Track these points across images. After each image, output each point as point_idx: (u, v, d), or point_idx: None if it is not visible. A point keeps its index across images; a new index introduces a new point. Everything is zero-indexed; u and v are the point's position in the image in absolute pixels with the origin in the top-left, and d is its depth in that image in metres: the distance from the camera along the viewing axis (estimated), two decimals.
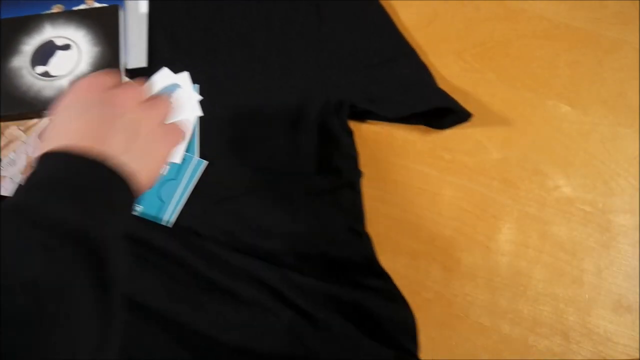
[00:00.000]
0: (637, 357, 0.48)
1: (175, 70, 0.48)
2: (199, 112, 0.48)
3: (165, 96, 0.44)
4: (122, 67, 0.52)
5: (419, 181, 0.54)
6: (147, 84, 0.45)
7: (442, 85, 0.55)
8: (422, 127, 0.56)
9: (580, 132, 0.54)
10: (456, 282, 0.51)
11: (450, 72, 0.57)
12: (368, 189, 0.54)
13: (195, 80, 0.50)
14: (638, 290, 0.49)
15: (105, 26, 0.54)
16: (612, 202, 0.52)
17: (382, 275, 0.49)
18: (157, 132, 0.40)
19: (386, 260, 0.51)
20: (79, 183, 0.33)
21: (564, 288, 0.50)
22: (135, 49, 0.54)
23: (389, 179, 0.54)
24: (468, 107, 0.54)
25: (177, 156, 0.48)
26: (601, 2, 0.58)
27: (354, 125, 0.56)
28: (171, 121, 0.43)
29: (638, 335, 0.48)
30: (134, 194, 0.36)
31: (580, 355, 0.48)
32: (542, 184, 0.53)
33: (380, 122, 0.56)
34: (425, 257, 0.52)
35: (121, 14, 0.55)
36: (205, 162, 0.50)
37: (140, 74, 0.48)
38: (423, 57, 0.56)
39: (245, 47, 0.54)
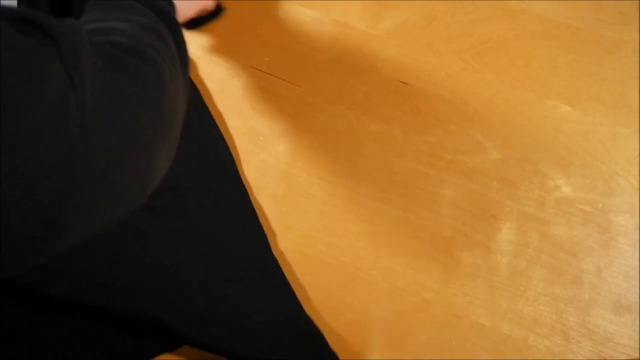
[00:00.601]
0: (637, 357, 0.48)
1: None
2: None
3: None
4: None
5: (419, 181, 0.54)
6: None
7: (442, 84, 0.55)
8: (422, 127, 0.56)
9: (580, 132, 0.54)
10: (456, 282, 0.51)
11: (450, 72, 0.57)
12: (368, 189, 0.54)
13: None
14: (638, 290, 0.49)
15: None
16: (612, 202, 0.52)
17: None
18: None
19: (386, 260, 0.51)
20: None
21: (564, 288, 0.50)
22: None
23: (389, 179, 0.54)
24: (468, 107, 0.54)
25: None
26: (601, 2, 0.58)
27: (353, 124, 0.56)
28: None
29: (638, 335, 0.48)
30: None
31: (580, 355, 0.48)
32: (542, 184, 0.53)
33: (380, 122, 0.56)
34: (425, 257, 0.52)
35: None
36: None
37: None
38: (423, 57, 0.56)
39: None
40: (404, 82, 0.58)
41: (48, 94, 0.25)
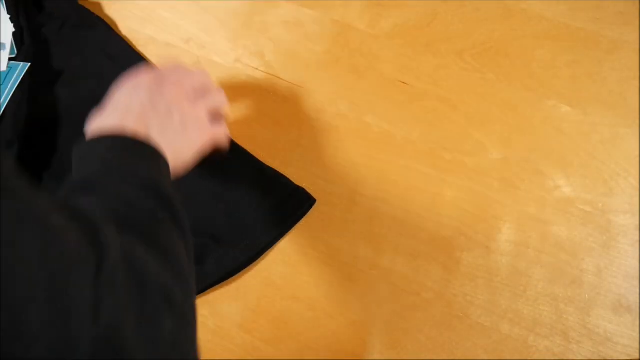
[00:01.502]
0: (637, 357, 0.48)
1: None
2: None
3: (210, 99, 0.48)
4: None
5: (419, 181, 0.54)
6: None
7: (442, 84, 0.55)
8: (422, 127, 0.56)
9: (580, 132, 0.54)
10: (456, 282, 0.51)
11: (450, 72, 0.57)
12: (368, 189, 0.54)
13: None
14: (638, 290, 0.49)
15: None
16: (612, 202, 0.52)
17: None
18: (187, 124, 0.45)
19: (386, 260, 0.51)
20: (133, 153, 0.39)
21: (564, 288, 0.50)
22: None
23: (389, 179, 0.54)
24: (468, 107, 0.54)
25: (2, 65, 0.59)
26: (601, 2, 0.58)
27: (353, 124, 0.56)
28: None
29: (638, 335, 0.48)
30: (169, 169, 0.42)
31: (580, 355, 0.48)
32: (542, 184, 0.53)
33: (380, 122, 0.56)
34: (425, 257, 0.52)
35: None
36: (28, 64, 0.60)
37: None
38: (423, 57, 0.56)
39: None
40: (404, 82, 0.58)
41: (70, 318, 0.23)
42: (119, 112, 0.43)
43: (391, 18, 0.60)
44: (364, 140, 0.56)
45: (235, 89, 0.60)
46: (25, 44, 0.61)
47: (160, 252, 0.32)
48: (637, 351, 0.48)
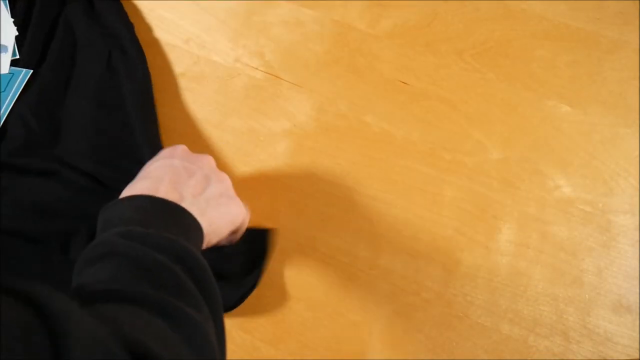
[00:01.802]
0: (637, 357, 0.48)
1: None
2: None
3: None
4: None
5: (419, 181, 0.54)
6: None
7: (442, 84, 0.55)
8: (422, 127, 0.56)
9: (580, 132, 0.54)
10: (456, 282, 0.51)
11: (450, 72, 0.57)
12: (368, 189, 0.54)
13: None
14: (638, 290, 0.49)
15: None
16: (612, 202, 0.52)
17: None
18: (221, 197, 0.44)
19: (386, 260, 0.51)
20: (165, 216, 0.38)
21: (564, 288, 0.50)
22: None
23: (389, 179, 0.54)
24: (468, 107, 0.54)
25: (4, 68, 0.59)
26: (601, 2, 0.58)
27: (353, 124, 0.56)
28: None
29: (638, 335, 0.48)
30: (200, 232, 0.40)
31: (580, 355, 0.48)
32: (542, 184, 0.53)
33: (380, 122, 0.56)
34: (425, 257, 0.52)
35: None
36: (30, 71, 0.59)
37: None
38: (423, 57, 0.56)
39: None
40: (404, 82, 0.58)
41: None
42: (151, 179, 0.42)
43: (391, 18, 0.60)
44: (364, 140, 0.56)
45: (235, 89, 0.60)
46: (26, 44, 0.60)
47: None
48: (637, 351, 0.48)
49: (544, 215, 0.52)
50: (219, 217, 0.43)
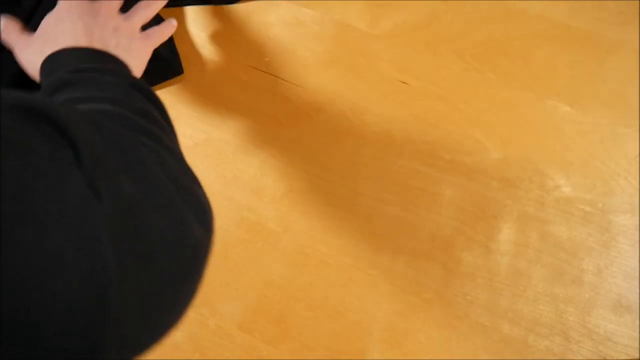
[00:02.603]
0: (637, 357, 0.48)
1: None
2: None
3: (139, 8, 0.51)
4: None
5: (419, 181, 0.54)
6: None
7: (442, 84, 0.55)
8: (422, 127, 0.56)
9: (580, 132, 0.54)
10: (456, 282, 0.51)
11: (450, 72, 0.57)
12: (368, 189, 0.54)
13: None
14: (638, 290, 0.49)
15: None
16: (612, 202, 0.52)
17: None
18: (136, 37, 0.49)
19: (386, 260, 0.51)
20: (99, 63, 0.42)
21: (564, 288, 0.50)
22: None
23: (389, 179, 0.54)
24: (468, 107, 0.54)
25: None
26: (601, 2, 0.58)
27: (353, 124, 0.56)
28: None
29: (638, 335, 0.48)
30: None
31: (580, 355, 0.48)
32: (542, 184, 0.53)
33: (380, 122, 0.56)
34: (425, 257, 0.52)
35: None
36: None
37: None
38: (423, 57, 0.56)
39: None
40: (404, 82, 0.58)
41: (65, 212, 0.20)
42: (67, 34, 0.44)
43: (391, 18, 0.60)
44: (364, 140, 0.56)
45: (235, 89, 0.60)
46: None
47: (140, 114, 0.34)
48: (637, 351, 0.48)
49: (543, 215, 0.52)
50: (134, 60, 0.47)
